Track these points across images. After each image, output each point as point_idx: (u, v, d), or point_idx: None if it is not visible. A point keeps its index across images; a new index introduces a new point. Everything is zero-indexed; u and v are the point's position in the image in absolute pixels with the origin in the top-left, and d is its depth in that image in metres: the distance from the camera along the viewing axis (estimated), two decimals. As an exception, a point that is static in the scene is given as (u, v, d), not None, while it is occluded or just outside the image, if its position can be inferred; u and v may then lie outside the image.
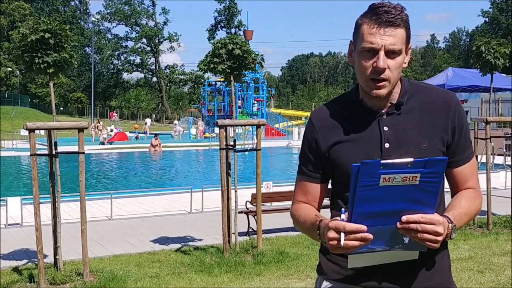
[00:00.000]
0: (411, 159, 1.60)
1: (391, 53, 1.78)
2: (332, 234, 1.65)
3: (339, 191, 1.94)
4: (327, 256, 1.99)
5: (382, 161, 1.57)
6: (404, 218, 1.62)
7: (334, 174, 1.96)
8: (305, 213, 1.94)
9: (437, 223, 1.62)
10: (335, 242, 1.64)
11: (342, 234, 1.62)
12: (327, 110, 1.99)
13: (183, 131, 40.89)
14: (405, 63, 1.86)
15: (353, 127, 1.91)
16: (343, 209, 1.69)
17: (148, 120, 47.19)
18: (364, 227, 1.61)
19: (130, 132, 42.59)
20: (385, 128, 1.87)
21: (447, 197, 1.93)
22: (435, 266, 1.89)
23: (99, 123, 36.80)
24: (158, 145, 29.03)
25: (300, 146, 2.08)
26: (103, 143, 32.89)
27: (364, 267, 1.81)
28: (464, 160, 1.93)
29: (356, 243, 1.62)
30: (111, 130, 37.99)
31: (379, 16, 1.77)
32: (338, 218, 1.67)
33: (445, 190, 1.95)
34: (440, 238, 1.63)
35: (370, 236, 1.62)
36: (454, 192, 1.95)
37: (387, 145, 1.86)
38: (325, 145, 1.94)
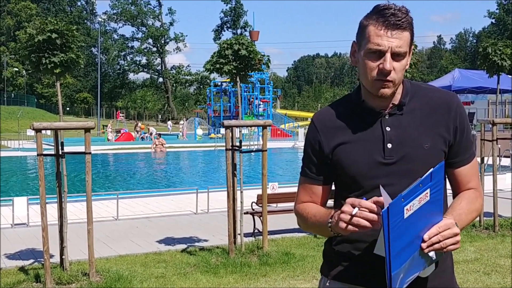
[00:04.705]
0: (420, 179, 1.61)
1: (396, 56, 1.79)
2: (347, 207, 1.67)
3: (343, 192, 1.94)
4: (331, 257, 2.00)
5: (402, 194, 1.56)
6: (425, 237, 1.63)
7: (337, 176, 1.96)
8: (315, 209, 1.94)
9: (451, 226, 1.65)
10: (347, 217, 1.65)
11: (356, 208, 1.64)
12: (329, 111, 2.00)
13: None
14: (407, 64, 1.86)
15: (355, 128, 1.91)
16: (364, 197, 1.70)
17: (152, 129, 43.32)
18: (376, 209, 1.63)
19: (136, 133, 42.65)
20: (388, 129, 1.88)
21: (449, 200, 1.94)
22: (438, 267, 1.89)
23: (110, 128, 37.96)
24: (162, 145, 29.05)
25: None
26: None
27: (367, 268, 1.83)
28: (465, 160, 1.94)
29: (365, 222, 1.63)
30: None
31: (386, 18, 1.78)
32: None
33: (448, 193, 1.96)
34: (459, 238, 1.66)
35: (380, 221, 1.61)
36: (455, 193, 1.96)
37: (389, 145, 1.86)
38: (328, 147, 1.94)
